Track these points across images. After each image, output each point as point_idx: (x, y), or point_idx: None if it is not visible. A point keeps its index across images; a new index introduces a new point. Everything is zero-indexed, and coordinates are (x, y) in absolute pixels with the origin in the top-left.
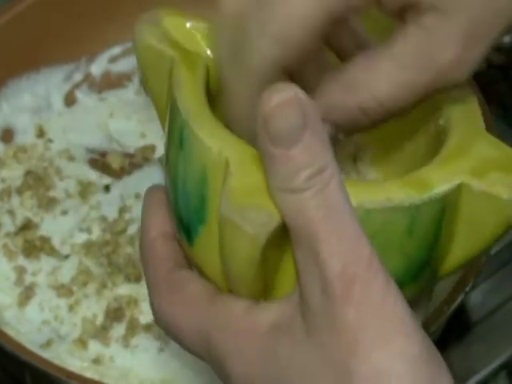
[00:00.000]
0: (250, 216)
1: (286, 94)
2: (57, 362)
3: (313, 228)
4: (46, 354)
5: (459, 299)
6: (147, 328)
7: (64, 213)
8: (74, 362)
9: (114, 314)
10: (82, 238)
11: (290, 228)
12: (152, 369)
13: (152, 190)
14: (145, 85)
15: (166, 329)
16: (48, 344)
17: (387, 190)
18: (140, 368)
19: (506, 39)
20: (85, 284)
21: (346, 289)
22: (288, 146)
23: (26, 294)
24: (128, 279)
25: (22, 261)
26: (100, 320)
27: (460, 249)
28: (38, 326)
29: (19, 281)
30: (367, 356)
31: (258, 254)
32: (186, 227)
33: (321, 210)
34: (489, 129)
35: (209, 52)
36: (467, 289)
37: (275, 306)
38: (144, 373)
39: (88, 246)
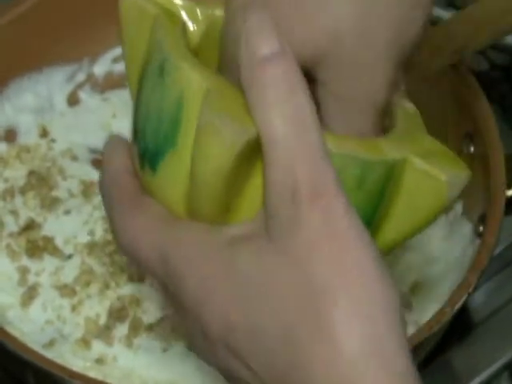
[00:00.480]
0: (229, 122)
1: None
2: (60, 361)
3: (286, 141)
4: (48, 354)
5: (462, 300)
6: (150, 328)
7: (67, 213)
8: (76, 362)
9: (117, 313)
10: (85, 237)
11: (262, 140)
12: (155, 369)
13: (113, 136)
14: (124, 42)
15: (126, 250)
16: (51, 344)
17: (346, 142)
18: (143, 368)
19: (509, 39)
20: (88, 284)
21: (314, 197)
22: (266, 58)
23: (29, 294)
24: (131, 279)
25: (25, 261)
26: (103, 320)
27: (395, 224)
28: (41, 325)
29: (22, 281)
30: (322, 264)
31: (231, 163)
32: (153, 154)
33: (292, 125)
34: (490, 129)
35: (184, 15)
36: (470, 290)
37: (237, 225)
38: (147, 373)
39: (91, 246)
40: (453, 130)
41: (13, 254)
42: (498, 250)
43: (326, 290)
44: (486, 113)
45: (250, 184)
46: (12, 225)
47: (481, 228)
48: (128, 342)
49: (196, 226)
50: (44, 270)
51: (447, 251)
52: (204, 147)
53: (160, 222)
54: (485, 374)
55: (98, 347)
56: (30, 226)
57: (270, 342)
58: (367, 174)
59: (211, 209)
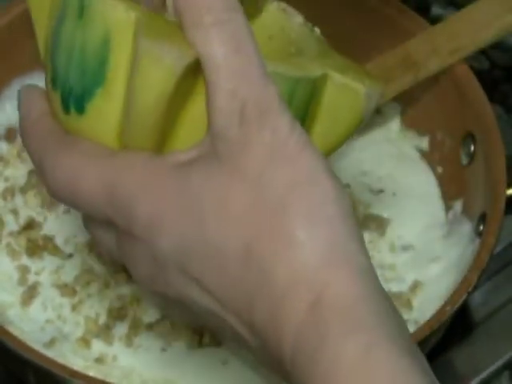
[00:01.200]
0: (168, 48)
1: None
2: (60, 360)
3: (227, 61)
4: (49, 353)
5: (462, 299)
6: (150, 327)
7: (67, 212)
8: (77, 361)
9: (117, 313)
10: (85, 237)
11: (203, 62)
12: (155, 368)
13: (27, 85)
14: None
15: (63, 193)
16: (51, 343)
17: (276, 63)
18: (143, 367)
19: (510, 39)
20: (88, 283)
21: (261, 113)
22: None
23: (30, 293)
24: (131, 278)
25: (25, 260)
26: (103, 319)
27: (317, 139)
28: (42, 325)
29: (22, 280)
30: (275, 177)
31: (172, 88)
32: (79, 95)
33: (232, 45)
34: (491, 128)
35: None
36: (470, 289)
37: (182, 151)
38: (147, 372)
39: (91, 245)
40: (454, 129)
41: (13, 253)
42: (497, 250)
43: (281, 202)
44: (487, 112)
45: (188, 111)
46: (12, 224)
47: (481, 227)
48: (128, 341)
49: (139, 154)
50: (44, 269)
51: (447, 250)
52: (145, 76)
53: (99, 155)
54: (485, 374)
55: (98, 346)
56: (31, 225)
57: (229, 261)
58: (296, 90)
59: (150, 140)
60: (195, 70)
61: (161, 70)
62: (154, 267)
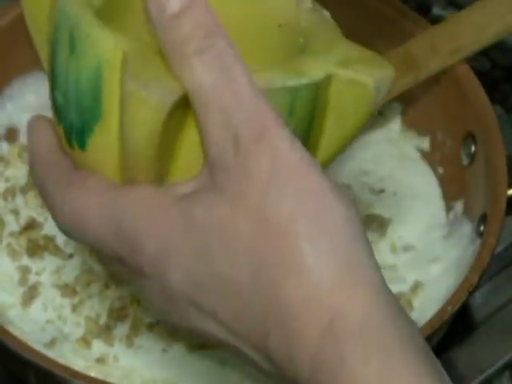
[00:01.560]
0: (154, 86)
1: None
2: (61, 361)
3: (215, 90)
4: (49, 354)
5: (463, 300)
6: (151, 328)
7: None
8: (77, 362)
9: (118, 313)
10: None
11: (190, 95)
12: (155, 369)
13: (35, 116)
14: (29, 23)
15: (71, 228)
16: (52, 343)
17: (269, 74)
18: (143, 368)
19: (511, 39)
20: (88, 283)
21: (257, 138)
22: (177, 14)
23: (30, 294)
24: None
25: (25, 260)
26: (103, 319)
27: (328, 140)
28: (42, 325)
29: (23, 280)
30: (279, 202)
31: (161, 127)
32: (80, 131)
33: (218, 72)
34: (492, 128)
35: None
36: (471, 289)
37: (183, 184)
38: (147, 373)
39: None
40: (454, 129)
41: (13, 254)
42: (498, 250)
43: (288, 226)
44: (487, 112)
45: (183, 145)
46: (13, 224)
47: (482, 227)
48: (128, 341)
49: (142, 188)
50: (45, 269)
51: (448, 251)
52: (132, 116)
53: (104, 191)
54: (486, 374)
55: (98, 347)
56: (31, 225)
57: (240, 292)
58: (296, 100)
59: (147, 176)
60: (186, 101)
61: (147, 110)
62: (166, 302)
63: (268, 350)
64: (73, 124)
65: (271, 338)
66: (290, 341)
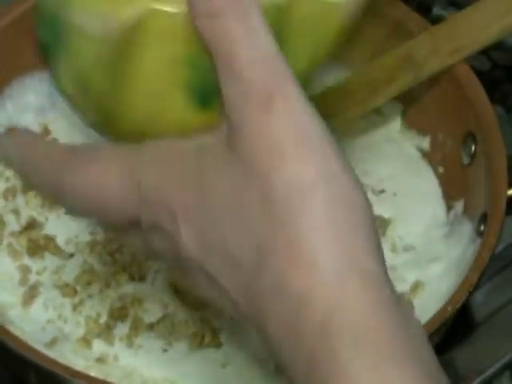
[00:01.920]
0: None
1: None
2: (61, 360)
3: (234, 46)
4: (50, 353)
5: (463, 299)
6: (151, 327)
7: None
8: (78, 361)
9: (118, 313)
10: (86, 237)
11: (213, 53)
12: (156, 368)
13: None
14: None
15: (88, 205)
16: (52, 343)
17: None
18: (144, 367)
19: (511, 40)
20: (89, 283)
21: (267, 97)
22: None
23: (30, 293)
24: (132, 278)
25: (26, 260)
26: (104, 319)
27: (301, 59)
28: (43, 325)
29: (23, 280)
30: (285, 166)
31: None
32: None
33: (240, 29)
34: (492, 128)
35: None
36: (471, 289)
37: (200, 136)
38: (148, 372)
39: (92, 245)
40: (454, 129)
41: (14, 253)
42: (498, 250)
43: (298, 206)
44: (487, 112)
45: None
46: (13, 224)
47: (482, 227)
48: (129, 341)
49: (160, 142)
50: (45, 269)
51: (448, 250)
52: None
53: (118, 156)
54: (486, 374)
55: (98, 346)
56: (32, 225)
57: (242, 264)
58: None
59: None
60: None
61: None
62: (180, 261)
63: (267, 332)
64: None
65: (270, 319)
66: (289, 326)
